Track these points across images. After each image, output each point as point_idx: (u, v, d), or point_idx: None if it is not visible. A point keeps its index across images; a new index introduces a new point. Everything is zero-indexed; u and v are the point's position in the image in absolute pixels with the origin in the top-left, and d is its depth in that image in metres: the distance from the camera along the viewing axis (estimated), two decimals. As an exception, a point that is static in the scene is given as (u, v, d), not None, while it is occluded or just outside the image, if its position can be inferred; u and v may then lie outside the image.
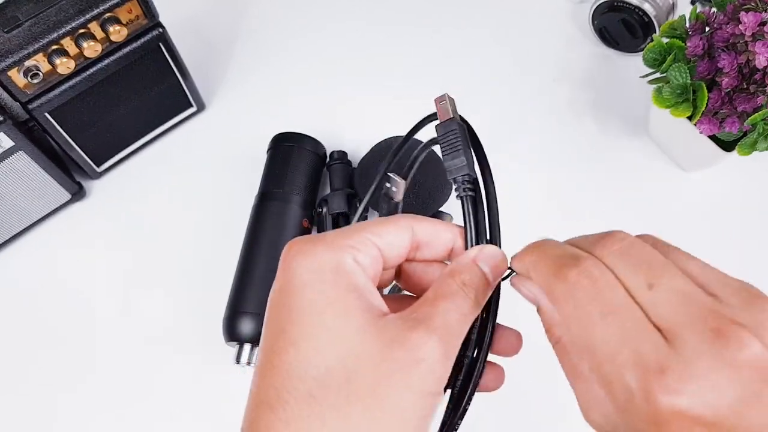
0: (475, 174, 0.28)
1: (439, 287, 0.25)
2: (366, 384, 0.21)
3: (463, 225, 0.28)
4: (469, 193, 0.27)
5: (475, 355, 0.26)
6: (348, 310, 0.23)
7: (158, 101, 0.59)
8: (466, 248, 0.27)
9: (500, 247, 0.27)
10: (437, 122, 0.29)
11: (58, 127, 0.53)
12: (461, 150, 0.28)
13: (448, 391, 0.26)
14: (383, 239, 0.25)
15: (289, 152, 0.57)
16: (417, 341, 0.22)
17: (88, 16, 0.48)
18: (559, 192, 0.60)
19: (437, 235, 0.27)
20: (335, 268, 0.23)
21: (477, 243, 0.27)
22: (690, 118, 0.52)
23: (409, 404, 0.22)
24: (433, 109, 0.30)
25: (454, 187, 0.28)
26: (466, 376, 0.26)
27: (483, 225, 0.27)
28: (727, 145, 0.54)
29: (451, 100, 0.29)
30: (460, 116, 0.29)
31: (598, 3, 0.64)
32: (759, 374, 0.18)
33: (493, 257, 0.26)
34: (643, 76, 0.55)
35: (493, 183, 0.28)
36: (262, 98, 0.66)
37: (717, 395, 0.18)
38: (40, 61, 0.48)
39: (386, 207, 0.31)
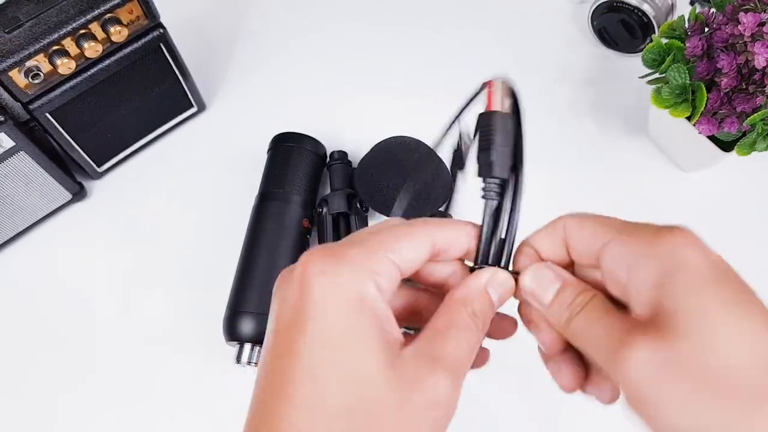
0: (506, 176, 0.26)
1: (450, 316, 0.24)
2: (387, 429, 0.21)
3: (479, 225, 0.27)
4: (493, 196, 0.26)
5: None
6: (370, 346, 0.22)
7: (159, 101, 0.59)
8: (477, 253, 0.26)
9: (511, 252, 0.27)
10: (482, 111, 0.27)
11: (59, 128, 0.53)
12: (492, 149, 0.26)
13: None
14: (402, 257, 0.24)
15: (290, 152, 0.57)
16: (435, 384, 0.22)
17: (88, 17, 0.48)
18: (559, 192, 0.60)
19: (456, 241, 0.26)
20: (359, 298, 0.23)
21: (488, 249, 0.26)
22: (689, 118, 0.52)
23: None
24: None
25: (481, 186, 0.27)
26: None
27: (498, 231, 0.27)
28: (726, 146, 0.54)
29: (505, 88, 0.26)
30: (515, 105, 0.27)
31: (597, 3, 0.64)
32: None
33: (503, 285, 0.26)
34: (643, 77, 0.55)
35: (520, 189, 0.27)
36: (263, 98, 0.66)
37: None
38: (41, 62, 0.48)
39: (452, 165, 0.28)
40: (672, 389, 0.20)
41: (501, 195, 0.26)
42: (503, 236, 0.27)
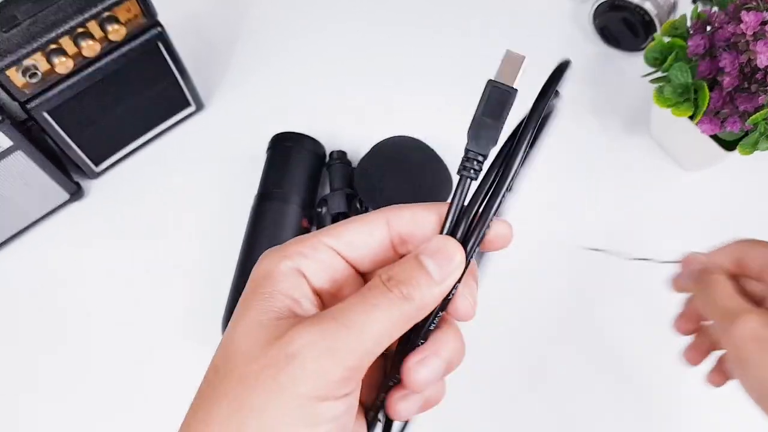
0: (485, 152, 0.24)
1: (360, 284, 0.23)
2: (237, 378, 0.20)
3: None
4: (470, 174, 0.23)
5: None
6: (253, 312, 0.22)
7: (157, 101, 0.59)
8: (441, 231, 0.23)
9: (477, 242, 0.23)
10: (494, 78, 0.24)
11: (57, 127, 0.53)
12: (473, 119, 0.23)
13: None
14: (341, 240, 0.23)
15: (289, 152, 0.57)
16: (293, 335, 0.20)
17: (86, 16, 0.48)
18: (560, 191, 0.60)
19: (419, 224, 0.24)
20: (266, 275, 0.23)
21: (453, 232, 0.23)
22: (691, 117, 0.52)
23: (279, 407, 0.19)
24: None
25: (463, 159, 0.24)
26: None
27: (467, 212, 0.23)
28: (728, 145, 0.54)
29: (515, 61, 0.24)
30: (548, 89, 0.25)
31: (599, 2, 0.64)
32: None
33: (438, 251, 0.22)
34: (645, 76, 0.55)
35: (508, 175, 0.23)
36: (262, 98, 0.66)
37: None
38: (38, 61, 0.48)
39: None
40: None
41: (478, 173, 0.23)
42: (472, 216, 0.24)
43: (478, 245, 0.23)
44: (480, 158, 0.24)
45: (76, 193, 0.59)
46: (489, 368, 0.52)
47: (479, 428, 0.51)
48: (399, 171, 0.55)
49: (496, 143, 0.24)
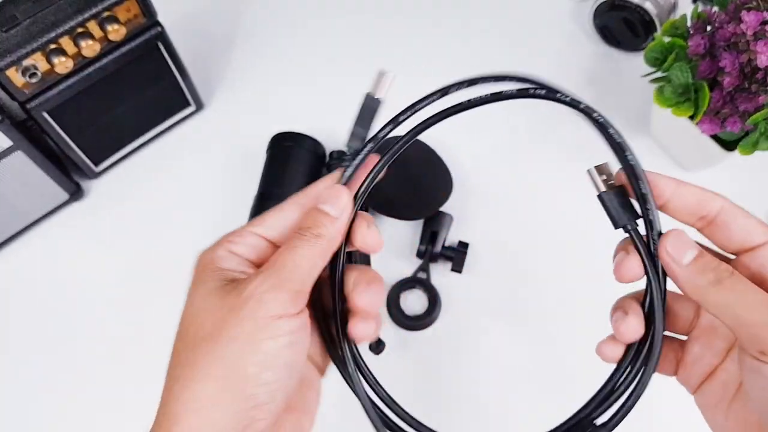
0: (355, 146, 0.32)
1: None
2: (208, 329, 0.26)
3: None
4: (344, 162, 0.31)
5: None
6: (205, 285, 0.28)
7: (156, 100, 0.59)
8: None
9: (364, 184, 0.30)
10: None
11: (56, 127, 0.53)
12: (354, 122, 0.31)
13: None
14: (262, 226, 0.29)
15: (288, 152, 0.57)
16: (245, 285, 0.26)
17: (86, 15, 0.48)
18: (559, 191, 0.60)
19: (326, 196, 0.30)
20: (207, 262, 0.29)
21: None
22: (692, 117, 0.52)
23: (248, 330, 0.25)
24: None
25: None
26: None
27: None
28: (728, 145, 0.54)
29: (380, 80, 0.33)
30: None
31: (599, 2, 0.64)
32: None
33: (329, 195, 0.29)
34: (645, 75, 0.55)
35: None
36: (261, 97, 0.66)
37: None
38: (38, 61, 0.48)
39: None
40: None
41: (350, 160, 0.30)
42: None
43: (366, 189, 0.30)
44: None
45: (75, 193, 0.59)
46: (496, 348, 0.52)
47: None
48: (399, 171, 0.55)
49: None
